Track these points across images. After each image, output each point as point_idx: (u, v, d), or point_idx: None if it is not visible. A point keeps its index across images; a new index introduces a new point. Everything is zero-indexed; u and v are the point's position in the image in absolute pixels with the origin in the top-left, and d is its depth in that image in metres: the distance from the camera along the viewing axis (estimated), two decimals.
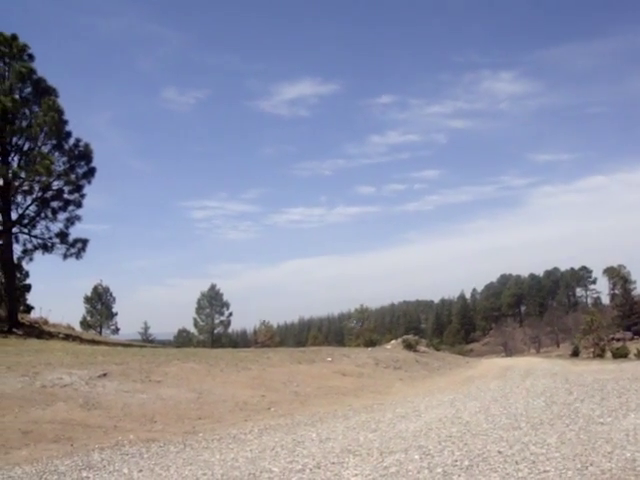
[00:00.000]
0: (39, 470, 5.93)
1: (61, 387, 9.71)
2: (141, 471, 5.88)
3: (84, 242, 24.25)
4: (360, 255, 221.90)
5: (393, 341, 25.60)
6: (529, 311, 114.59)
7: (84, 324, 58.23)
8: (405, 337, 25.10)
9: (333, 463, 5.84)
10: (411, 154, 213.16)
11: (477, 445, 6.34)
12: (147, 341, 58.46)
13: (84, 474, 5.79)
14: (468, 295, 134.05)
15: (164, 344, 50.72)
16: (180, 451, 6.88)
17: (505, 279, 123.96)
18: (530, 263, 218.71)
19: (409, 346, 22.96)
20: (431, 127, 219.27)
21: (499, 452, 5.92)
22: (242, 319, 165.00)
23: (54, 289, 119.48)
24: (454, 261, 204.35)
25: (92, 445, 7.13)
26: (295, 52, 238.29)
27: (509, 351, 76.25)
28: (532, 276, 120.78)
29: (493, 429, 7.34)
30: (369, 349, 22.29)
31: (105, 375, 11.09)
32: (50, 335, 21.43)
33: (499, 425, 7.62)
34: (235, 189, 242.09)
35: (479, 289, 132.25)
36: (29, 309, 36.53)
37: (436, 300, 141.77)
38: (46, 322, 25.39)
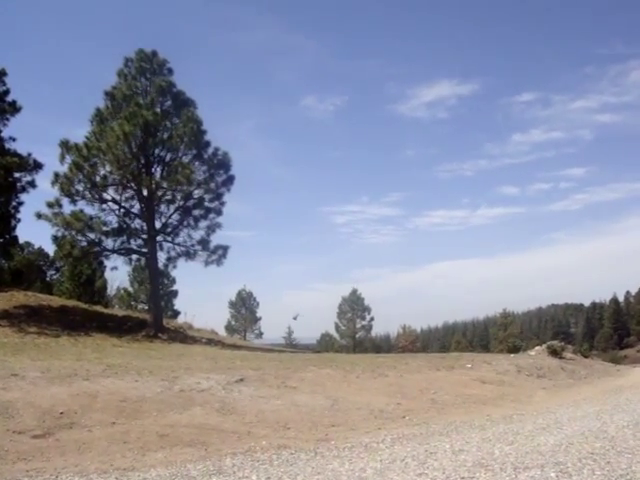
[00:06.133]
0: (172, 473, 6.20)
1: (198, 392, 10.15)
2: (269, 479, 5.98)
3: (225, 249, 25.08)
4: (505, 257, 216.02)
5: (537, 347, 24.50)
6: None
7: (229, 328, 60.97)
8: (550, 343, 23.91)
9: (463, 478, 5.62)
10: (556, 152, 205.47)
11: (621, 464, 5.86)
12: (290, 345, 59.95)
13: (214, 479, 5.98)
14: (621, 298, 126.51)
15: (308, 348, 51.83)
16: (310, 459, 6.91)
17: None
18: None
19: (554, 352, 21.88)
20: (576, 123, 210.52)
21: None
22: (385, 323, 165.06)
23: (201, 294, 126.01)
24: (605, 262, 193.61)
25: (225, 450, 7.35)
26: (432, 55, 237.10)
27: None
28: None
29: None
30: (512, 355, 21.47)
31: (242, 380, 11.45)
32: (193, 340, 22.54)
33: None
34: (376, 193, 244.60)
35: (633, 291, 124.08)
36: (176, 314, 38.96)
37: (586, 303, 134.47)
38: (190, 327, 26.72)
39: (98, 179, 22.45)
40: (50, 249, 37.92)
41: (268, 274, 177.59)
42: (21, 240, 31.31)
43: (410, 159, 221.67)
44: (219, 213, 24.93)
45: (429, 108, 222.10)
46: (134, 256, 25.06)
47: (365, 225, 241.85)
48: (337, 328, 63.85)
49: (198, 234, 24.71)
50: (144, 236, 23.85)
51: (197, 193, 24.20)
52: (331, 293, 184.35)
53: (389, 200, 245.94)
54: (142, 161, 23.08)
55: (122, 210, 23.67)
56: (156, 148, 23.35)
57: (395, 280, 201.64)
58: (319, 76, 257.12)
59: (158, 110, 23.34)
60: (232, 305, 63.09)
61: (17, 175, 23.83)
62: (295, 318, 54.27)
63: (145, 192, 23.21)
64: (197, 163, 24.08)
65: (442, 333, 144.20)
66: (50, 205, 21.98)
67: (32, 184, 24.29)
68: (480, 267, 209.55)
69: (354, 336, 62.68)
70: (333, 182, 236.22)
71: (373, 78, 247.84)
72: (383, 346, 78.07)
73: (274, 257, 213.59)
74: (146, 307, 37.74)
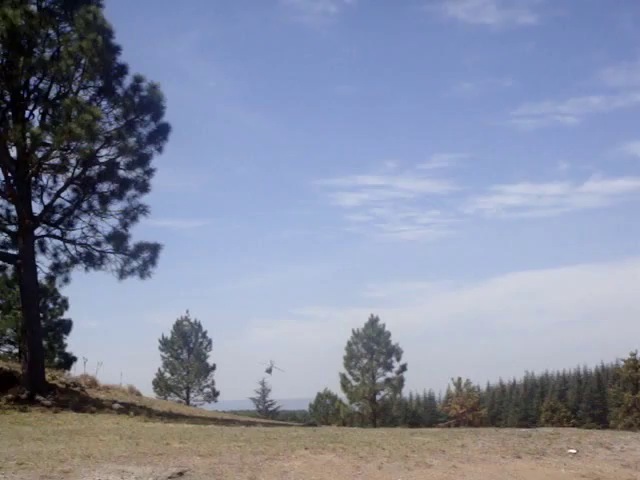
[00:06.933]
0: None
1: None
2: None
3: (154, 249, 25.06)
4: (634, 264, 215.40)
5: None
6: None
7: (161, 385, 61.13)
8: None
9: None
10: None
11: None
12: (265, 413, 60.12)
13: None
14: None
15: (295, 418, 51.90)
16: None
17: None
18: None
19: None
20: None
21: None
22: (427, 375, 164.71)
23: (113, 327, 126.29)
24: None
25: None
26: None
27: None
28: None
29: None
30: None
31: (181, 475, 11.35)
32: (98, 406, 22.47)
33: None
34: (409, 156, 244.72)
35: None
36: (68, 362, 38.88)
37: None
38: (93, 383, 26.65)
39: None
40: None
41: (228, 292, 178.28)
42: None
43: (468, 97, 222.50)
44: (144, 189, 24.90)
45: (502, 8, 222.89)
46: None
47: (391, 209, 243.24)
48: (344, 384, 64.11)
49: (108, 224, 24.64)
50: (12, 228, 23.70)
51: (106, 154, 24.07)
52: (334, 324, 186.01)
53: (431, 167, 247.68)
54: (7, 98, 22.90)
55: None
56: (32, 76, 23.10)
57: (442, 302, 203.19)
58: None
59: (34, 8, 22.98)
60: (166, 345, 63.27)
61: None
62: (269, 370, 54.13)
63: (14, 153, 22.96)
64: (105, 103, 23.94)
65: (523, 393, 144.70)
66: None
67: None
68: (590, 280, 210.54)
69: (373, 397, 62.90)
70: (337, 137, 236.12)
71: None
72: (423, 415, 78.47)
73: (239, 263, 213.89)
74: (15, 350, 37.67)
